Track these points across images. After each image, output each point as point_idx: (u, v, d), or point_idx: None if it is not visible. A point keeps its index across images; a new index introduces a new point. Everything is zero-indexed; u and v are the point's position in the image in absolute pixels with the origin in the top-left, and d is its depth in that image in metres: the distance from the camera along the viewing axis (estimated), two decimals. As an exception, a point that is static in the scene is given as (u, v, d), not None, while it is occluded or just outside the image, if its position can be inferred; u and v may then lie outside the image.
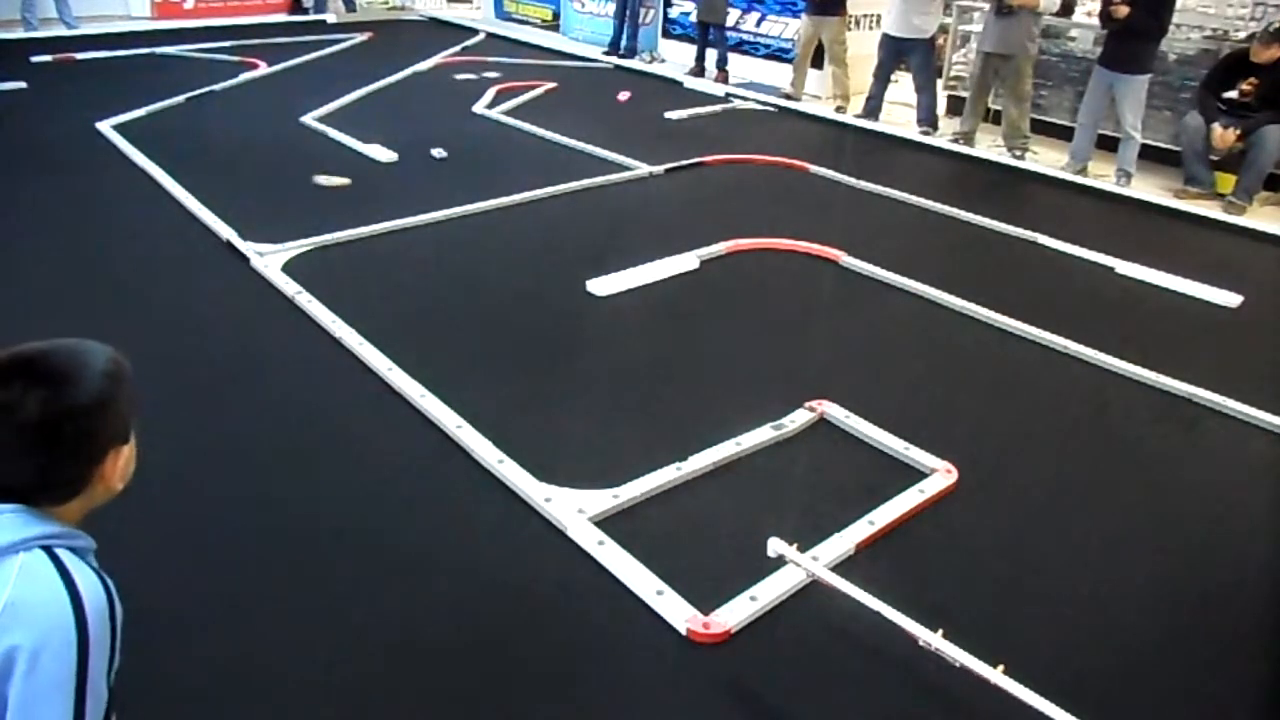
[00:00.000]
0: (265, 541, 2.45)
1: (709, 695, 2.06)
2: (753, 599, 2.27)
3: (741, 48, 9.03)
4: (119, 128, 5.93)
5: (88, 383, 1.11)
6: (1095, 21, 6.59)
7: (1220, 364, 3.64)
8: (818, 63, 8.24)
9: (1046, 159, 6.65)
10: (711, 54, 8.71)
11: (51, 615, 1.04)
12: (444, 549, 2.46)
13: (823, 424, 3.10)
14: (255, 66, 7.93)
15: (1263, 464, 3.08)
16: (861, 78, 7.67)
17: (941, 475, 2.79)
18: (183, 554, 2.35)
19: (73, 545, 1.11)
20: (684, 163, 5.84)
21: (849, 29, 7.94)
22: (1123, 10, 5.85)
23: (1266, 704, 2.17)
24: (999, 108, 7.00)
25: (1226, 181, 5.98)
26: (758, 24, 8.98)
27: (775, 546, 2.25)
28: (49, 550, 1.08)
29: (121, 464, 1.17)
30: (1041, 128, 7.07)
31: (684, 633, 2.18)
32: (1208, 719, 2.11)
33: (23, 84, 6.88)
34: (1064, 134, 6.89)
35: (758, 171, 5.93)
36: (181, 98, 6.72)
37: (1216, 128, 5.88)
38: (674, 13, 9.69)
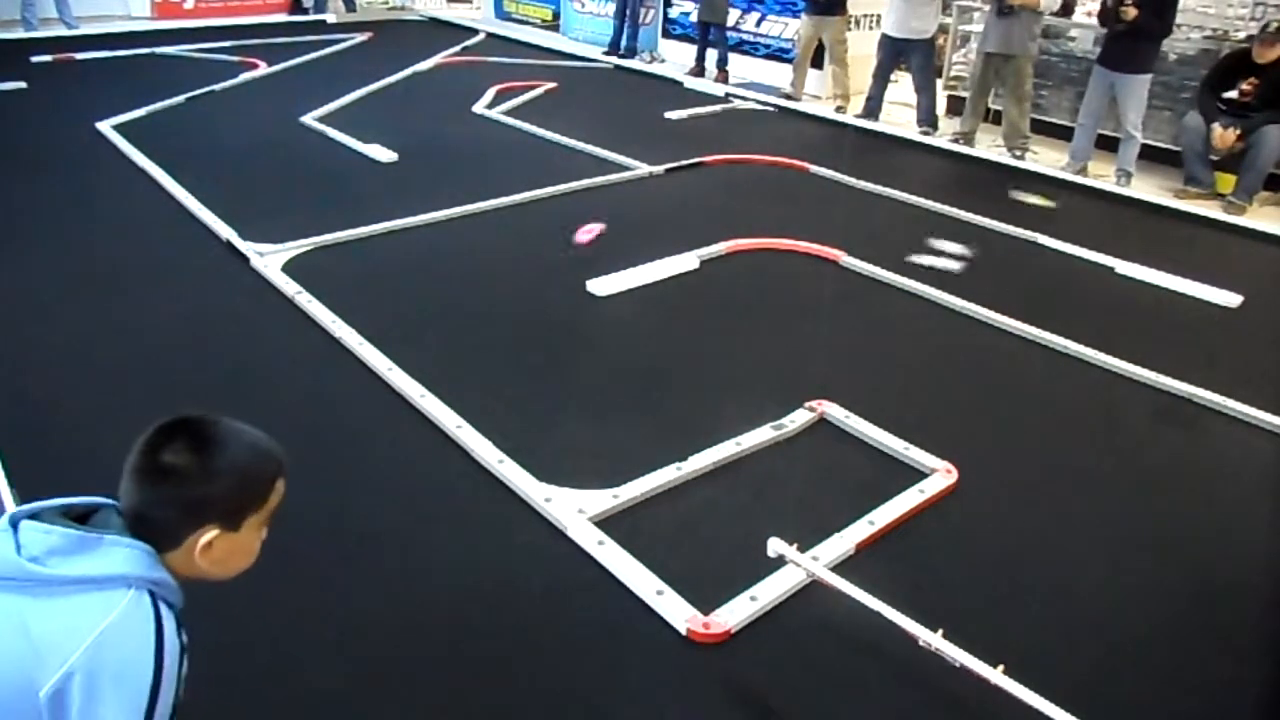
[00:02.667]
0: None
1: (709, 695, 2.06)
2: (753, 599, 2.27)
3: (741, 48, 9.03)
4: (119, 128, 5.93)
5: (215, 458, 1.21)
6: (1095, 21, 6.59)
7: (1220, 364, 3.64)
8: (818, 63, 8.24)
9: (1046, 159, 6.65)
10: (711, 54, 8.71)
11: (136, 658, 1.11)
12: (443, 549, 2.46)
13: (823, 424, 3.10)
14: (255, 66, 7.93)
15: (1263, 464, 3.08)
16: (861, 78, 7.67)
17: (941, 475, 2.79)
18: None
19: (169, 599, 1.18)
20: (684, 163, 5.84)
21: (849, 29, 7.94)
22: (1131, 12, 5.84)
23: (1267, 703, 2.17)
24: (999, 108, 7.00)
25: (1226, 181, 5.98)
26: (758, 24, 8.98)
27: (775, 546, 2.25)
28: (154, 596, 1.15)
29: (210, 544, 1.20)
30: (1041, 128, 7.07)
31: (684, 633, 2.18)
32: (1208, 718, 2.11)
33: (23, 84, 6.88)
34: (1064, 134, 6.89)
35: (758, 171, 5.93)
36: (181, 98, 6.73)
37: (1216, 128, 5.88)
38: (674, 13, 9.69)
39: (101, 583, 1.13)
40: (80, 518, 1.21)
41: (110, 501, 1.22)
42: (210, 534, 1.20)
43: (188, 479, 1.18)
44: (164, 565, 1.19)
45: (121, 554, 1.15)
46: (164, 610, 1.16)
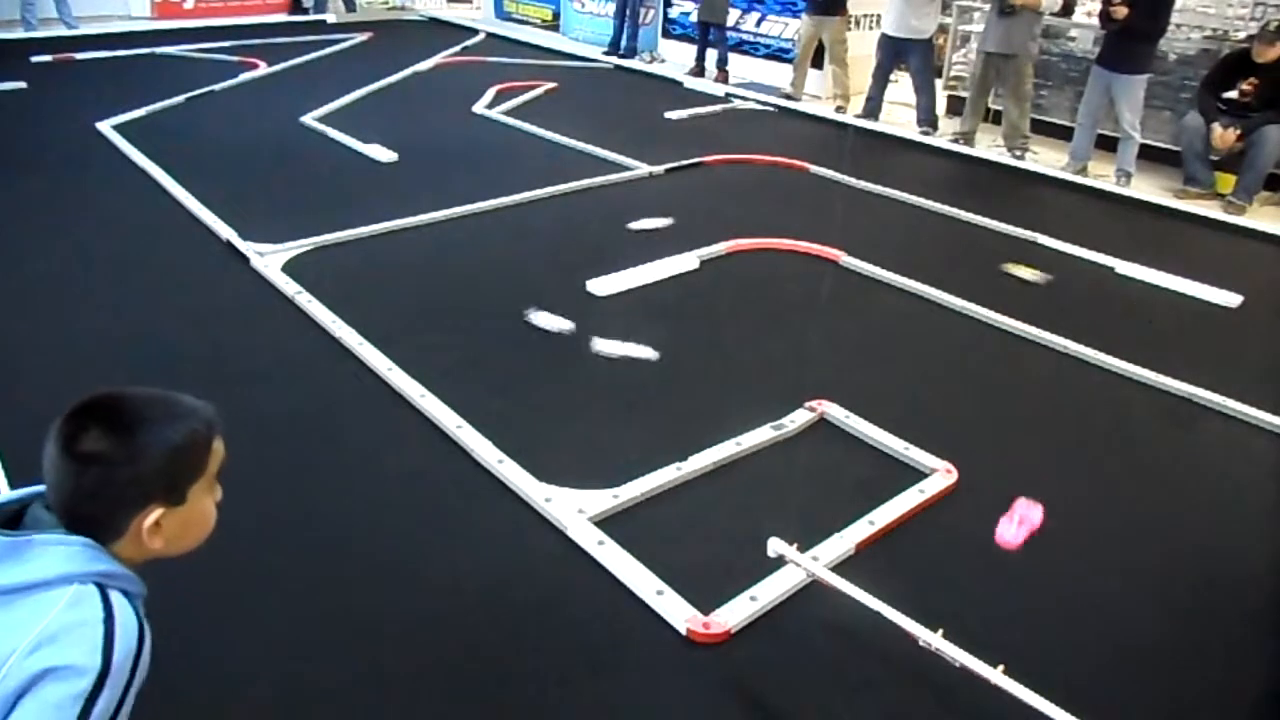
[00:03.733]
0: (263, 542, 2.44)
1: (709, 695, 2.06)
2: (753, 599, 2.27)
3: (741, 48, 9.03)
4: (119, 128, 5.93)
5: (137, 435, 1.12)
6: (1095, 21, 6.59)
7: (1220, 364, 3.64)
8: (818, 63, 8.24)
9: (1046, 159, 6.65)
10: (711, 54, 8.72)
11: (81, 648, 1.05)
12: (443, 549, 2.46)
13: (823, 424, 3.10)
14: (255, 66, 7.93)
15: (1263, 464, 3.08)
16: (861, 78, 7.68)
17: (941, 475, 2.79)
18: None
19: (125, 588, 1.13)
20: (684, 163, 5.84)
21: (849, 29, 7.94)
22: (1122, 11, 5.85)
23: (1267, 703, 2.17)
24: (999, 108, 7.00)
25: (1226, 181, 5.98)
26: (758, 24, 8.98)
27: (775, 546, 2.25)
28: (102, 588, 1.10)
29: (158, 523, 1.14)
30: (1041, 128, 7.07)
31: (684, 633, 2.18)
32: (1207, 718, 2.11)
33: (23, 84, 6.88)
34: (1064, 134, 6.89)
35: (758, 171, 5.93)
36: (181, 98, 6.73)
37: (1216, 128, 5.88)
38: (674, 13, 9.69)
39: (39, 587, 1.06)
40: (12, 517, 1.14)
41: (40, 490, 1.15)
42: (155, 514, 1.13)
43: (113, 464, 1.10)
44: (112, 555, 1.12)
45: (57, 554, 1.08)
46: (117, 600, 1.10)
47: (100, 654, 1.05)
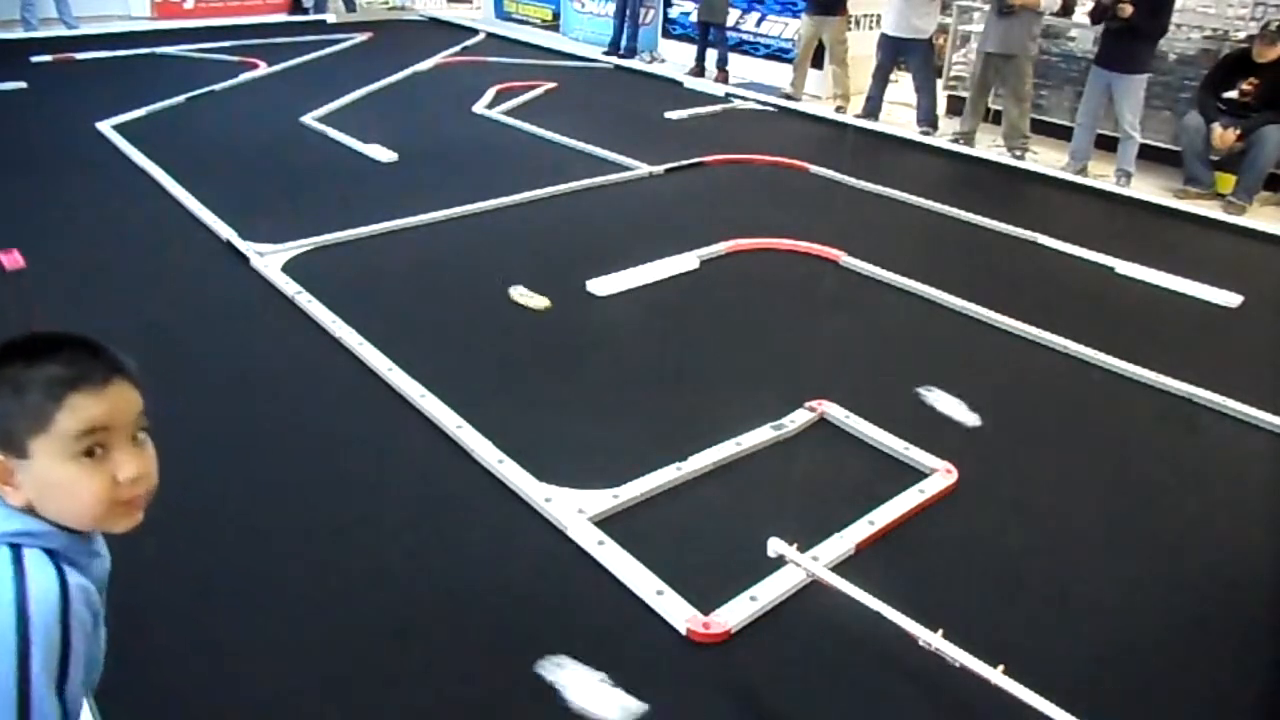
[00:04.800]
0: (264, 541, 2.45)
1: (709, 695, 2.05)
2: (753, 599, 2.26)
3: (741, 48, 9.03)
4: (119, 128, 5.93)
5: None
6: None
7: (1220, 364, 3.64)
8: (818, 63, 8.24)
9: (1046, 159, 6.65)
10: (711, 54, 8.72)
11: None
12: (443, 549, 2.46)
13: (823, 424, 3.10)
14: (255, 66, 7.93)
15: (1263, 464, 3.08)
16: (861, 78, 7.68)
17: (941, 475, 2.79)
18: (180, 552, 2.34)
19: (47, 546, 1.06)
20: (684, 163, 5.84)
21: (849, 29, 7.95)
22: (1127, 9, 5.85)
23: (1267, 704, 2.17)
24: (999, 108, 7.00)
25: (1226, 181, 5.98)
26: (758, 24, 8.98)
27: (775, 546, 2.25)
28: (15, 548, 1.04)
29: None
30: (1041, 128, 7.07)
31: (684, 633, 2.18)
32: (1208, 718, 2.11)
33: (23, 84, 6.88)
34: (1064, 134, 6.89)
35: (758, 171, 5.93)
36: (181, 98, 6.73)
37: (1216, 128, 5.88)
38: (674, 13, 9.69)
39: None
40: None
41: None
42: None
43: None
44: (27, 513, 1.05)
45: None
46: (32, 559, 1.03)
47: (14, 626, 0.98)
